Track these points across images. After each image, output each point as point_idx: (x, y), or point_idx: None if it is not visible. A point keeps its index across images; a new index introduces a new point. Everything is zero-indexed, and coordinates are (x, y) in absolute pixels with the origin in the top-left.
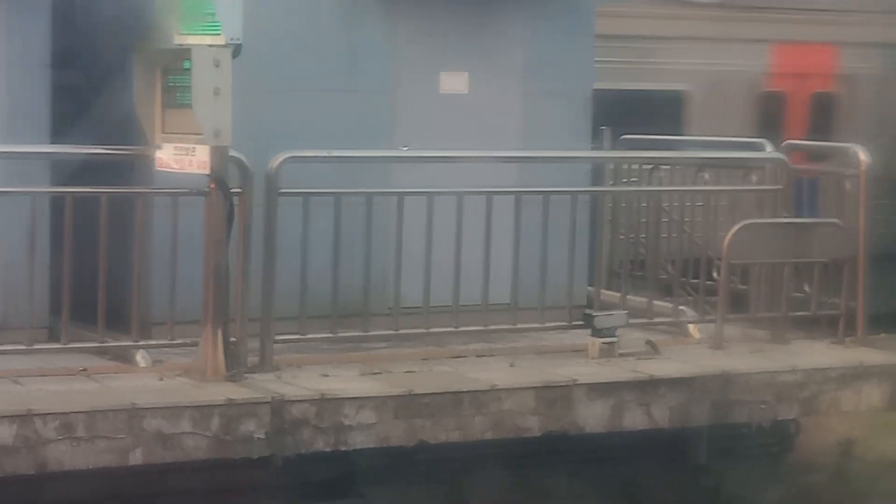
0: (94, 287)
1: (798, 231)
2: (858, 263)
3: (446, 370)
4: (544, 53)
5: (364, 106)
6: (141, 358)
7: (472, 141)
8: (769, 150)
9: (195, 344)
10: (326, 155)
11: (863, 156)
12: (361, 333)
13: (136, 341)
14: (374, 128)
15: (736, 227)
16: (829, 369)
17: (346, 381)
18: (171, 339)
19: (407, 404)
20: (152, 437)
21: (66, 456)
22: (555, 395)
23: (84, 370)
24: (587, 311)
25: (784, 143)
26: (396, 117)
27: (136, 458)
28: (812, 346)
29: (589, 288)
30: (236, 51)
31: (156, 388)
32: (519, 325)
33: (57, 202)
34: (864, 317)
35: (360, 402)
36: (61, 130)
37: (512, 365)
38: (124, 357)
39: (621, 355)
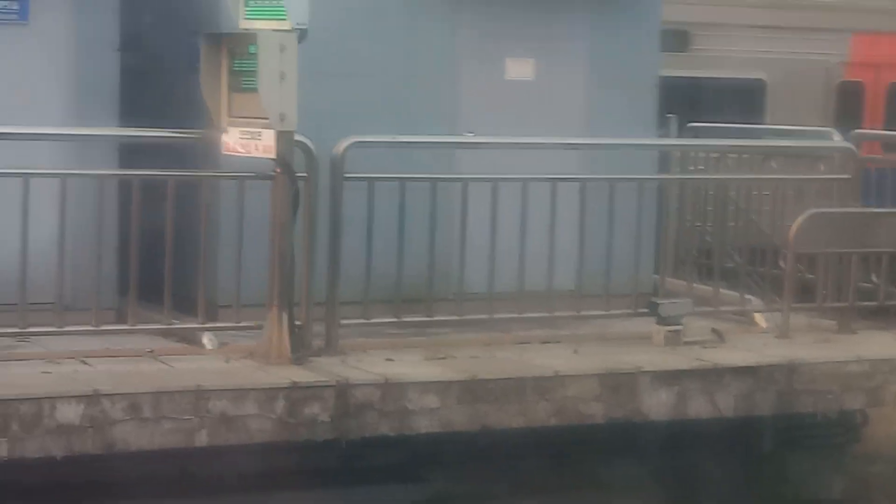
0: (160, 269)
1: (865, 221)
2: None
3: (510, 356)
4: (609, 41)
5: (427, 91)
6: (207, 340)
7: (537, 128)
8: (837, 140)
9: (261, 327)
10: (392, 140)
11: None
12: (426, 318)
13: (203, 323)
14: (437, 113)
15: (803, 217)
16: None
17: (410, 366)
18: (238, 322)
19: (470, 389)
20: (217, 419)
21: (133, 436)
22: (619, 382)
23: (151, 352)
24: (653, 298)
25: (852, 133)
26: (461, 103)
27: (202, 439)
28: (879, 337)
29: (654, 276)
30: (302, 35)
31: (221, 370)
32: (583, 312)
33: (125, 184)
34: None
35: (423, 386)
36: (130, 113)
37: (576, 352)
38: (190, 339)
39: (686, 343)
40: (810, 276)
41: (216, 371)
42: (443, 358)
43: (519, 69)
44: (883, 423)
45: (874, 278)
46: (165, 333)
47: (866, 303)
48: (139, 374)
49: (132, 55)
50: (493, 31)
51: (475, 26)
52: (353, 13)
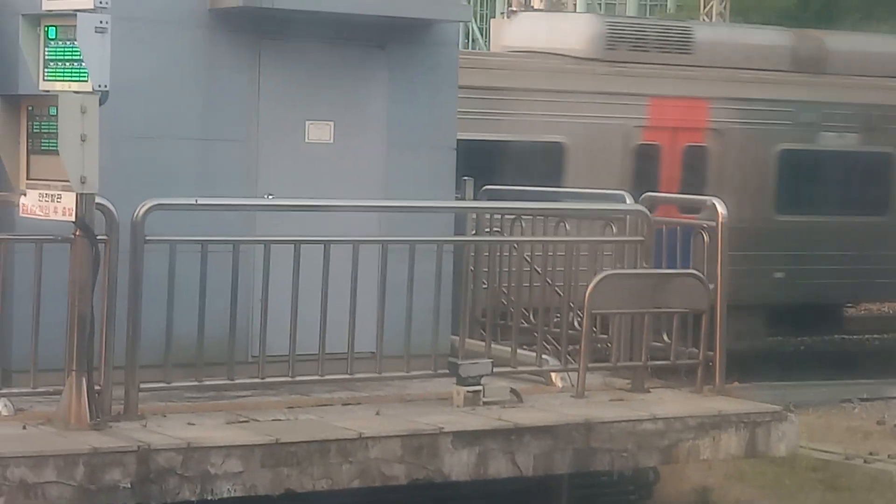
0: None
1: (657, 281)
2: (716, 314)
3: (312, 418)
4: (408, 105)
5: (229, 154)
6: (3, 406)
7: (336, 191)
8: (629, 203)
9: (58, 392)
10: (193, 203)
11: (720, 208)
12: (227, 381)
13: None
14: (236, 176)
15: (597, 278)
16: (688, 418)
17: (212, 430)
18: (34, 388)
19: (274, 453)
20: (16, 487)
21: None
22: (421, 443)
23: None
24: (452, 359)
25: (644, 196)
26: (260, 166)
27: None
28: (672, 395)
29: (453, 337)
30: (103, 98)
31: (19, 436)
32: (384, 374)
33: None
34: (721, 367)
35: (226, 450)
36: None
37: (378, 413)
38: None
39: (486, 404)
40: (604, 335)
41: (13, 437)
42: (245, 421)
43: (319, 132)
44: (674, 481)
45: (666, 338)
46: None
47: (659, 362)
48: None
49: None
50: (294, 95)
51: (276, 90)
52: (154, 75)
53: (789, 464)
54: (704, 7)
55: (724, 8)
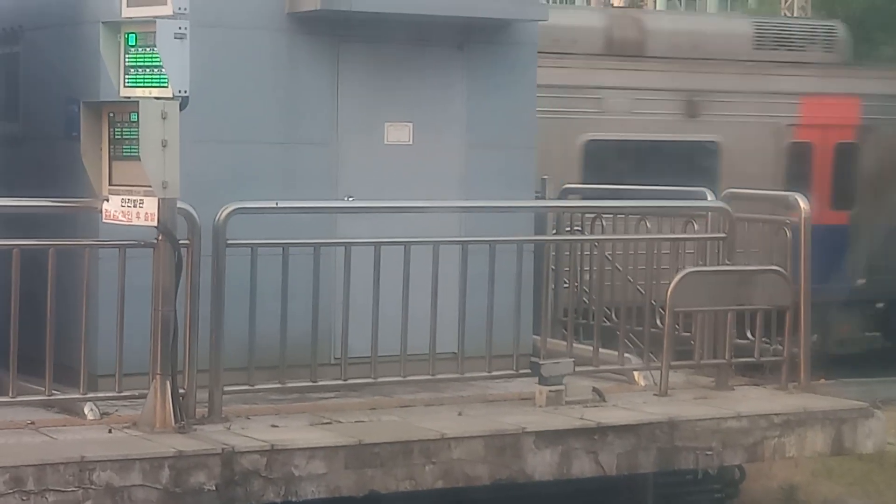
0: (41, 339)
1: (741, 278)
2: (800, 310)
3: (395, 420)
4: (486, 105)
5: (308, 156)
6: (89, 410)
7: (415, 191)
8: (710, 199)
9: (143, 396)
10: (274, 206)
11: (803, 204)
12: (310, 384)
13: (84, 393)
14: (316, 178)
15: (679, 276)
16: (773, 415)
17: (296, 432)
18: (119, 391)
19: (357, 454)
20: (102, 490)
21: None
22: (503, 443)
23: (32, 423)
24: (533, 359)
25: (726, 192)
26: (340, 167)
27: None
28: (756, 393)
29: (535, 336)
30: (184, 103)
31: (105, 440)
32: (466, 374)
33: (4, 255)
34: (806, 363)
35: (310, 452)
36: (7, 183)
37: (460, 414)
38: (72, 410)
39: (568, 403)
40: (687, 333)
41: (99, 441)
42: (328, 423)
43: (398, 133)
44: (760, 479)
45: (749, 335)
46: (47, 405)
47: (742, 359)
48: (21, 447)
49: (7, 124)
50: (373, 96)
51: (355, 92)
52: (234, 80)
53: (877, 460)
54: (785, 1)
55: (806, 1)
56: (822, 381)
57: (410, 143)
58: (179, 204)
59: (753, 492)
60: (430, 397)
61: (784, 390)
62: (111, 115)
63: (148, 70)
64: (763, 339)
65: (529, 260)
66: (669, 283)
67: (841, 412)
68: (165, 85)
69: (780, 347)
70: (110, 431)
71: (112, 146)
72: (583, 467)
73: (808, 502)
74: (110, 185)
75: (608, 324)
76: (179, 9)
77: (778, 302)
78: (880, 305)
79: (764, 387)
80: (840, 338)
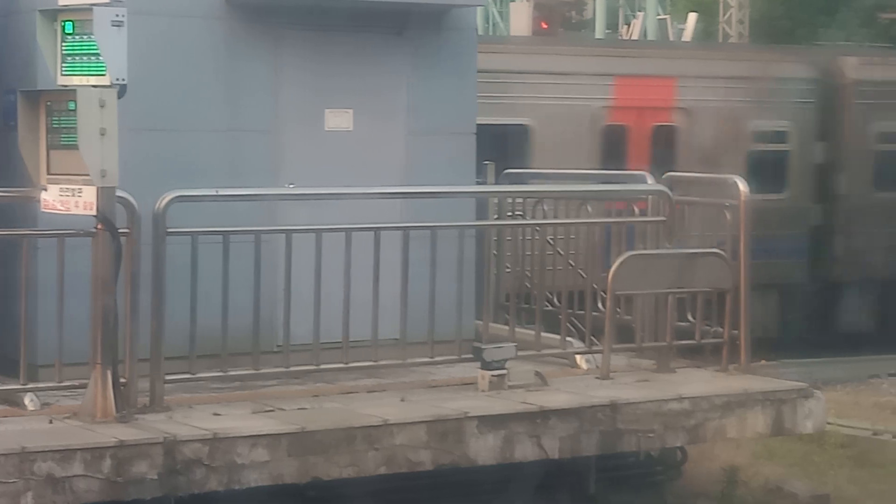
0: None
1: (680, 261)
2: (740, 292)
3: (337, 406)
4: (427, 91)
5: (249, 144)
6: (29, 401)
7: (357, 178)
8: (651, 183)
9: (84, 386)
10: (214, 194)
11: (742, 186)
12: (252, 371)
13: (24, 384)
14: (258, 166)
15: (620, 259)
16: (714, 397)
17: (238, 420)
18: (60, 382)
19: (300, 441)
20: (43, 481)
21: None
22: (446, 428)
23: None
24: (476, 344)
25: (665, 175)
26: (282, 155)
27: (28, 502)
28: (697, 375)
29: (477, 321)
30: (122, 91)
31: (45, 430)
32: (409, 360)
33: None
34: (746, 345)
35: (252, 440)
36: None
37: (403, 400)
38: (12, 400)
39: (511, 387)
40: (628, 317)
41: (40, 432)
42: (271, 410)
43: (337, 120)
44: (702, 460)
45: (690, 317)
46: None
47: (683, 342)
48: None
49: None
50: (313, 83)
51: (295, 79)
52: (173, 69)
53: (818, 441)
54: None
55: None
56: (763, 362)
57: (351, 129)
58: (119, 192)
59: (695, 474)
60: (373, 384)
61: (725, 372)
62: (49, 103)
63: (85, 58)
64: (704, 322)
65: (471, 245)
66: (610, 267)
67: (780, 393)
68: (103, 73)
69: (721, 330)
70: (51, 422)
71: (50, 135)
72: (526, 451)
73: (750, 483)
74: (48, 174)
75: (550, 308)
76: None
77: (718, 284)
78: None
79: (705, 369)
80: None
